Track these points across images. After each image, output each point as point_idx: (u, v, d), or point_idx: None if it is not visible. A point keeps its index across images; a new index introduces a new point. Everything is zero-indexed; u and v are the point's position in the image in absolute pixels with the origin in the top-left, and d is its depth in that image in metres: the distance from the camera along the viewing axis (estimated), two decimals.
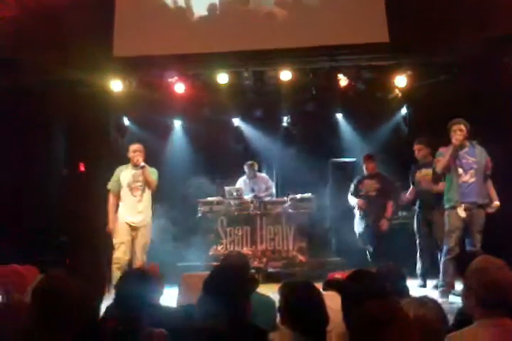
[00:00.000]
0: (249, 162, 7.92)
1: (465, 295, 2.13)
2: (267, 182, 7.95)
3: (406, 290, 2.91)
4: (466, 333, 1.98)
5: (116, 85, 7.21)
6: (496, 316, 1.95)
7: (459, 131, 5.27)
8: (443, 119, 6.56)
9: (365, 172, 6.95)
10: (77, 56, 6.69)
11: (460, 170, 5.30)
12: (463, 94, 6.96)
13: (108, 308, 2.69)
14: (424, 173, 6.21)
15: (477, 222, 5.26)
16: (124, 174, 6.06)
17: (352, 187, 6.97)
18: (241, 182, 7.93)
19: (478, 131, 6.36)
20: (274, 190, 7.95)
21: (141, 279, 2.48)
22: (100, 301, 2.38)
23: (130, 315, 2.29)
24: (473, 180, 5.27)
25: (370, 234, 6.62)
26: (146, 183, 6.01)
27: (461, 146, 5.32)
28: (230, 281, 2.13)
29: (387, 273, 2.90)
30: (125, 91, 7.33)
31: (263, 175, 8.06)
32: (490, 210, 5.36)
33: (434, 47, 6.57)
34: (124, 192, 6.01)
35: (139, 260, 5.81)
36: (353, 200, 6.90)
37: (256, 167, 7.92)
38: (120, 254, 5.79)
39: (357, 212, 6.84)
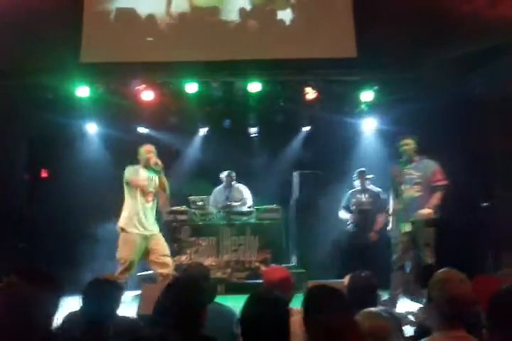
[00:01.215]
0: (226, 171, 7.87)
1: (426, 306, 2.17)
2: (242, 193, 7.90)
3: (375, 301, 2.93)
4: None
5: (82, 91, 7.11)
6: (454, 328, 1.99)
7: (405, 146, 5.44)
8: (407, 134, 6.71)
9: (358, 187, 7.08)
10: (42, 60, 6.57)
11: (406, 186, 5.42)
12: (428, 110, 7.13)
13: (68, 317, 2.63)
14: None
15: (423, 235, 5.31)
16: (140, 175, 5.40)
17: (344, 201, 7.13)
18: (216, 191, 7.90)
19: (441, 146, 6.54)
20: (250, 201, 7.87)
21: (107, 290, 2.44)
22: (56, 309, 2.32)
23: (95, 325, 2.24)
24: (418, 194, 5.38)
25: (359, 246, 6.73)
26: (162, 189, 5.45)
27: (409, 161, 5.45)
28: (184, 292, 2.11)
29: (359, 284, 2.93)
30: (92, 97, 7.24)
31: (240, 185, 8.00)
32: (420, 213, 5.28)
33: (401, 63, 6.72)
34: (136, 196, 5.34)
35: (170, 265, 5.36)
36: (344, 215, 7.06)
37: (233, 176, 7.88)
38: (128, 275, 5.21)
39: (350, 226, 6.99)
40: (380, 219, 6.69)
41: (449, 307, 2.00)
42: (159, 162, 5.37)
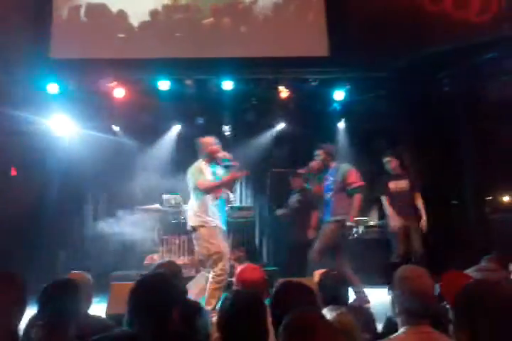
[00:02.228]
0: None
1: (392, 303, 2.21)
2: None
3: (345, 298, 2.96)
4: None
5: (52, 88, 7.00)
6: (418, 323, 2.02)
7: (316, 156, 5.63)
8: (379, 133, 6.80)
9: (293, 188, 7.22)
10: (12, 55, 6.44)
11: (326, 193, 5.59)
12: (398, 109, 7.24)
13: (31, 320, 2.58)
14: (398, 184, 6.36)
15: (320, 236, 5.51)
16: (207, 170, 4.96)
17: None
18: None
19: (412, 145, 6.64)
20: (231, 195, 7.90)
21: (66, 289, 2.39)
22: (21, 312, 2.25)
23: (55, 326, 2.20)
24: (331, 199, 5.52)
25: (296, 244, 6.78)
26: (231, 184, 5.15)
27: (326, 167, 5.60)
28: (152, 290, 2.10)
29: (330, 281, 2.95)
30: (62, 94, 7.13)
31: None
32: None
33: (372, 62, 6.80)
34: (203, 194, 4.91)
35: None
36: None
37: None
38: (228, 266, 4.86)
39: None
40: (314, 217, 6.75)
41: (411, 304, 2.04)
42: (227, 155, 5.00)
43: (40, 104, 7.34)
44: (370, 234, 7.56)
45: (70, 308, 2.31)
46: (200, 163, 5.03)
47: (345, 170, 5.49)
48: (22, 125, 7.57)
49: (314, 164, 5.59)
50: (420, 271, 2.13)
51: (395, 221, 6.17)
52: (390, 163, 6.38)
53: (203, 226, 4.87)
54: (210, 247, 4.80)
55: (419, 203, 6.22)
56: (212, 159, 5.03)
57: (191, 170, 4.98)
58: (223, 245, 4.88)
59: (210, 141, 5.08)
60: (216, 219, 4.93)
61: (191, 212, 5.01)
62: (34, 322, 2.38)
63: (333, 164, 5.61)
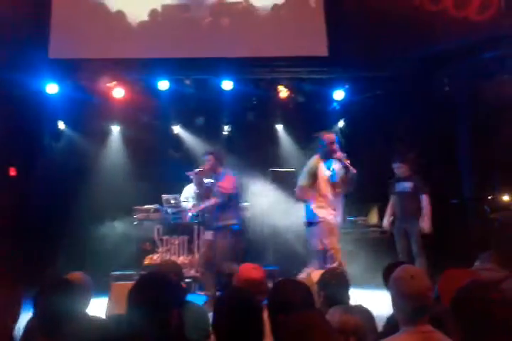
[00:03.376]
0: (197, 169, 7.76)
1: (391, 303, 2.20)
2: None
3: (346, 297, 2.94)
4: None
5: (51, 88, 6.98)
6: (416, 323, 2.01)
7: (205, 161, 5.87)
8: (376, 132, 6.78)
9: None
10: (10, 55, 6.43)
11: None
12: (397, 108, 7.23)
13: (29, 321, 2.57)
14: (402, 186, 6.48)
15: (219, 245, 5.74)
16: (322, 166, 5.06)
17: None
18: (188, 189, 7.77)
19: (411, 144, 6.63)
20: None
21: (62, 289, 2.37)
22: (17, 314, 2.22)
23: (51, 327, 2.18)
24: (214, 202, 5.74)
25: None
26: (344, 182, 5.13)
27: (209, 172, 5.88)
28: (153, 290, 2.08)
29: (329, 280, 2.93)
30: (61, 94, 7.12)
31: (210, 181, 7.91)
32: None
33: (371, 62, 6.80)
34: (324, 187, 5.01)
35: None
36: None
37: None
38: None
39: None
40: None
41: (406, 304, 2.03)
42: (344, 156, 5.05)
43: (39, 105, 7.34)
44: (370, 234, 7.55)
45: (66, 309, 2.28)
46: (315, 160, 5.10)
47: (225, 175, 5.74)
48: (21, 125, 7.57)
49: (205, 167, 5.80)
50: (414, 271, 2.12)
51: (384, 220, 6.60)
52: (399, 168, 6.51)
53: (320, 221, 4.91)
54: (327, 243, 4.86)
55: (425, 205, 6.27)
56: (330, 157, 5.09)
57: (313, 161, 5.11)
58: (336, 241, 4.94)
59: (332, 139, 5.15)
60: (335, 214, 5.01)
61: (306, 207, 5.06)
62: (32, 324, 2.36)
63: (221, 169, 5.82)
